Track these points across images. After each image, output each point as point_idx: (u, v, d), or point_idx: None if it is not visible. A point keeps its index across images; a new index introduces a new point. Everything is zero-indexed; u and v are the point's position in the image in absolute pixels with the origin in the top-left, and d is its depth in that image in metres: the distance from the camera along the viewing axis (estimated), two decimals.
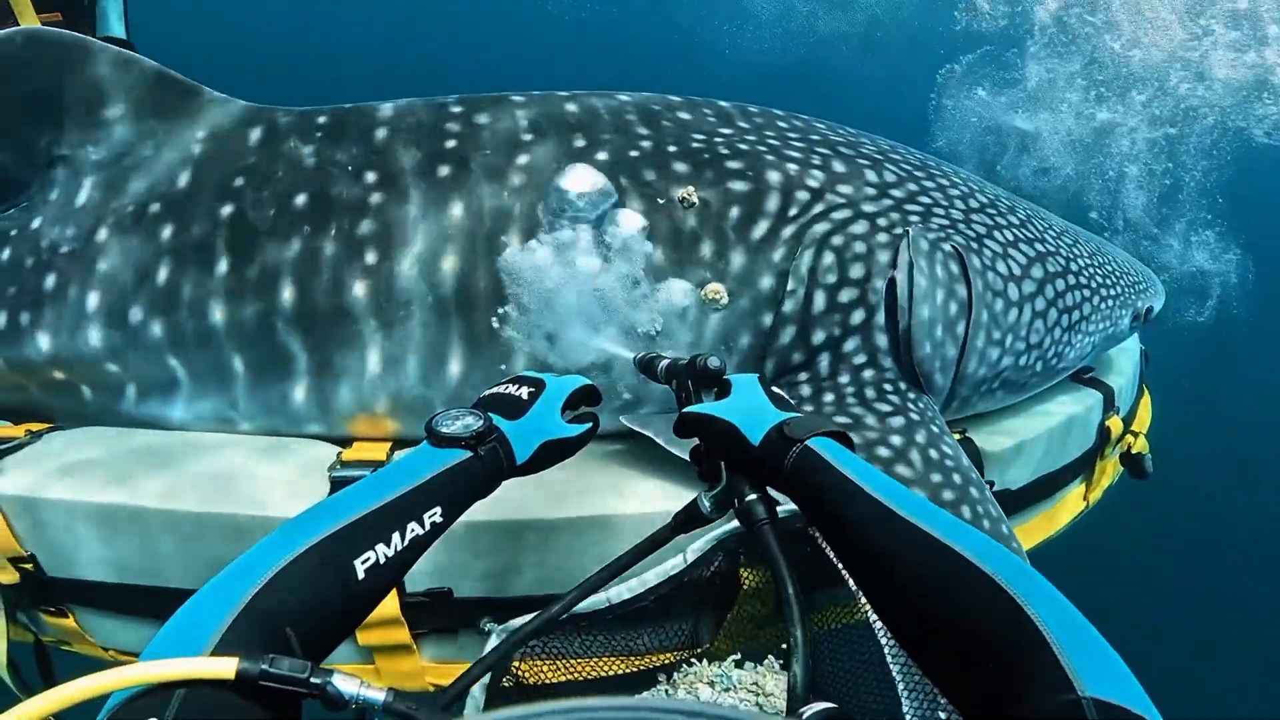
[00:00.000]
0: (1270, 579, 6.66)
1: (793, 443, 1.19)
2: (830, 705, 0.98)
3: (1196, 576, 6.72)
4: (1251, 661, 6.10)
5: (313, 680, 0.88)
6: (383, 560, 1.09)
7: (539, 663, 1.52)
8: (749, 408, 1.32)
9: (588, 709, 0.54)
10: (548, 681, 1.55)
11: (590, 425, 1.48)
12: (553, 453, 1.40)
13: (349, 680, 0.90)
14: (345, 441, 2.01)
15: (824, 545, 1.47)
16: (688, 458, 1.79)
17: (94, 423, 2.09)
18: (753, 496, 1.27)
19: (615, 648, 1.65)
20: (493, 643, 1.52)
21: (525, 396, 1.40)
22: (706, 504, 1.39)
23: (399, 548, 1.11)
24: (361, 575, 1.06)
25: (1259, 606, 6.56)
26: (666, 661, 1.64)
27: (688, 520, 1.43)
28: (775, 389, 1.40)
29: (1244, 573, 6.78)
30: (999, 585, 0.90)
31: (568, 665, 1.58)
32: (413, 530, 1.13)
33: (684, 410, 1.42)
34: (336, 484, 1.80)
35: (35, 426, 2.06)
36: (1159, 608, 5.94)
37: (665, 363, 1.59)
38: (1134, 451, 2.81)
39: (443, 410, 1.32)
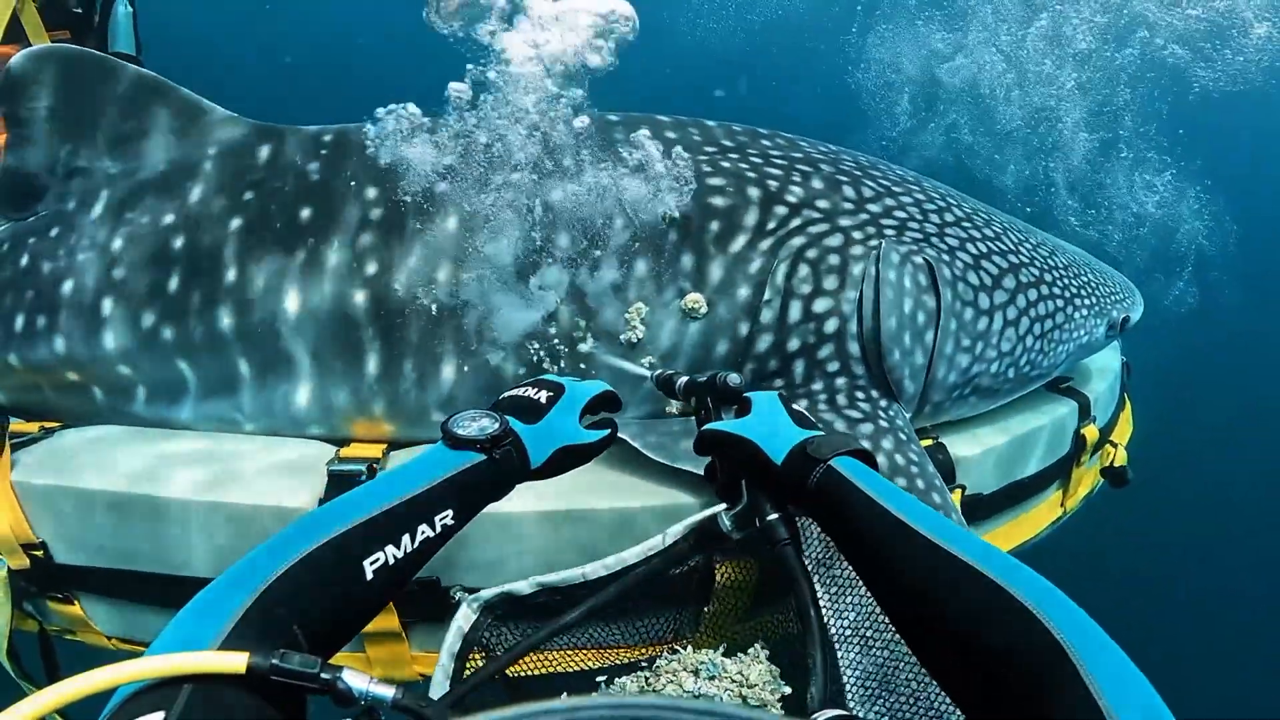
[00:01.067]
0: (1266, 575, 6.66)
1: (816, 462, 1.20)
2: (842, 712, 0.98)
3: (1191, 575, 6.72)
4: (1249, 661, 6.10)
5: (323, 676, 0.89)
6: (391, 561, 1.09)
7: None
8: (770, 426, 1.31)
9: (588, 706, 0.53)
10: (527, 673, 1.56)
11: (608, 431, 1.46)
12: (568, 458, 1.39)
13: (358, 676, 0.91)
14: (345, 443, 2.10)
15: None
16: (665, 461, 1.88)
17: (104, 423, 2.18)
18: (774, 516, 1.28)
19: (596, 640, 1.70)
20: (462, 611, 1.52)
21: (544, 400, 1.39)
22: (727, 522, 1.40)
23: (408, 549, 1.11)
24: (370, 576, 1.07)
25: (1255, 605, 6.55)
26: (646, 656, 1.69)
27: (707, 537, 1.43)
28: (796, 406, 1.39)
29: (1239, 570, 6.78)
30: (1025, 607, 0.91)
31: (546, 658, 1.62)
32: (423, 532, 1.13)
33: (704, 428, 1.41)
34: (334, 477, 1.89)
35: (49, 424, 2.16)
36: (1151, 608, 5.94)
37: (684, 380, 1.61)
38: (1115, 464, 2.87)
39: (460, 411, 1.30)
